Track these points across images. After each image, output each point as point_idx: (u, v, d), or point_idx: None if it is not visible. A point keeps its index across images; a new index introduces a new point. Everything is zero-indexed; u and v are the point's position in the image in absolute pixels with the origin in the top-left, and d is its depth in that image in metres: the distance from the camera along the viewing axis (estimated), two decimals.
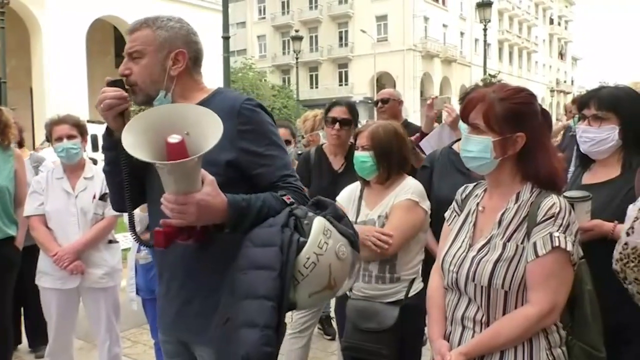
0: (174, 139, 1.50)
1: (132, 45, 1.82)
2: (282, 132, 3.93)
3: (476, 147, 1.73)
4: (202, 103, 1.78)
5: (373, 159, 2.58)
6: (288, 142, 3.96)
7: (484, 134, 1.72)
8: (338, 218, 1.76)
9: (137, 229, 1.92)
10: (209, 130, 1.54)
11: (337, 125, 3.41)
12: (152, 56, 1.81)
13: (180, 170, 1.51)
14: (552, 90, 59.47)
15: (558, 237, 1.62)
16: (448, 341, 1.81)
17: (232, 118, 1.67)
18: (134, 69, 1.82)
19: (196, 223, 1.63)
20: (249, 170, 1.77)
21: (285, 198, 1.75)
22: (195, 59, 1.88)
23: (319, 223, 1.67)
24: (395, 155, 2.59)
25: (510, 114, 1.70)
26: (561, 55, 68.63)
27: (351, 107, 3.52)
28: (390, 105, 4.42)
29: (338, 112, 3.44)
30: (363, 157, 2.61)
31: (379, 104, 4.49)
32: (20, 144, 3.67)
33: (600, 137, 2.22)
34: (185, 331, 1.89)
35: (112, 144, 1.85)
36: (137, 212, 3.17)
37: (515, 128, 1.70)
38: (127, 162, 1.78)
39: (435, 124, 4.01)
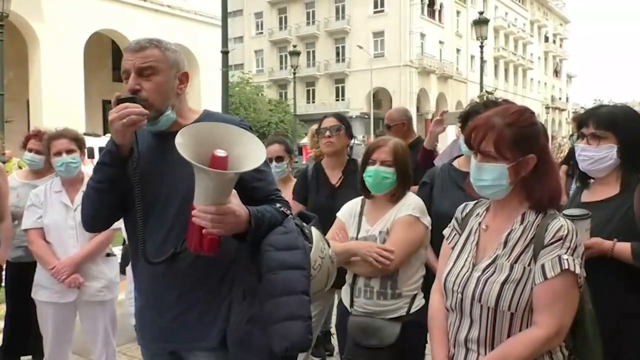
0: (220, 152, 1.66)
1: (145, 62, 1.82)
2: (277, 148, 3.90)
3: (491, 175, 1.72)
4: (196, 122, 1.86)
5: (395, 175, 2.59)
6: (281, 159, 3.87)
7: (496, 161, 1.71)
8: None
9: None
10: (249, 152, 1.70)
11: (327, 133, 3.48)
12: (166, 74, 1.86)
13: (221, 180, 1.64)
14: (547, 107, 59.82)
15: (567, 259, 1.61)
16: None
17: None
18: (144, 85, 1.82)
19: (228, 233, 1.71)
20: (247, 184, 1.86)
21: (283, 210, 1.90)
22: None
23: (316, 231, 1.89)
24: (410, 172, 2.66)
25: (521, 138, 1.70)
26: (556, 72, 69.16)
27: (339, 116, 3.63)
28: (394, 131, 4.46)
29: (327, 122, 3.55)
30: (385, 173, 2.59)
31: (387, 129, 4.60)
32: None
33: (598, 155, 2.24)
34: (181, 340, 1.90)
35: (119, 160, 1.80)
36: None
37: (526, 151, 1.71)
38: (139, 176, 1.81)
39: None
